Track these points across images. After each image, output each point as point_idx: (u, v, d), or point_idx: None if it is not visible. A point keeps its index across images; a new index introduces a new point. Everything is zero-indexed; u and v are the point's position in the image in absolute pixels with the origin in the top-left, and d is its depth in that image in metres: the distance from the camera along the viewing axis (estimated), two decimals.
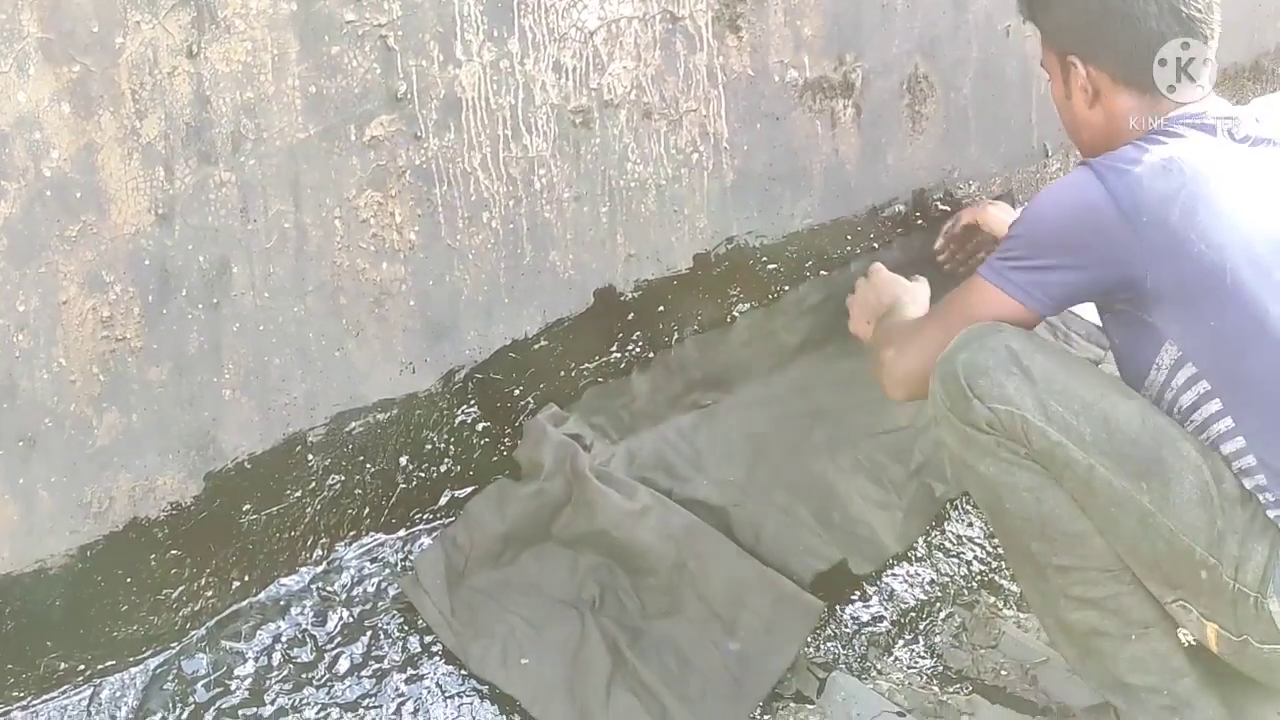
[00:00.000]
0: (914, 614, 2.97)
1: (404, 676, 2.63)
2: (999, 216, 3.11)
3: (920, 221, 3.29)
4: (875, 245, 3.28)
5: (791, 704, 2.74)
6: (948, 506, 3.17)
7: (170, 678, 2.50)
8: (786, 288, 3.13)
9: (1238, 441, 2.32)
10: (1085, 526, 2.37)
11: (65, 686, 2.42)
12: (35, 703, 2.40)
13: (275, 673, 2.56)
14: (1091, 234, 2.36)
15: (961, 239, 3.22)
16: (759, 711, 2.70)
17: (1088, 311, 2.73)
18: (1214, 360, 2.33)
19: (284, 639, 2.60)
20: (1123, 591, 2.41)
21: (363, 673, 2.62)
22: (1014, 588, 2.96)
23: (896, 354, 2.55)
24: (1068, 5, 2.55)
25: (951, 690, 2.82)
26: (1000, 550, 3.01)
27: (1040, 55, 2.66)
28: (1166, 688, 2.46)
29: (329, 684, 2.58)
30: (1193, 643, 2.46)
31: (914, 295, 2.91)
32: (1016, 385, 2.32)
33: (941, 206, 3.35)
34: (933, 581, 3.03)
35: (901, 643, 2.91)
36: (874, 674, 2.83)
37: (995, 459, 2.38)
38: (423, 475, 2.76)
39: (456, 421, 2.78)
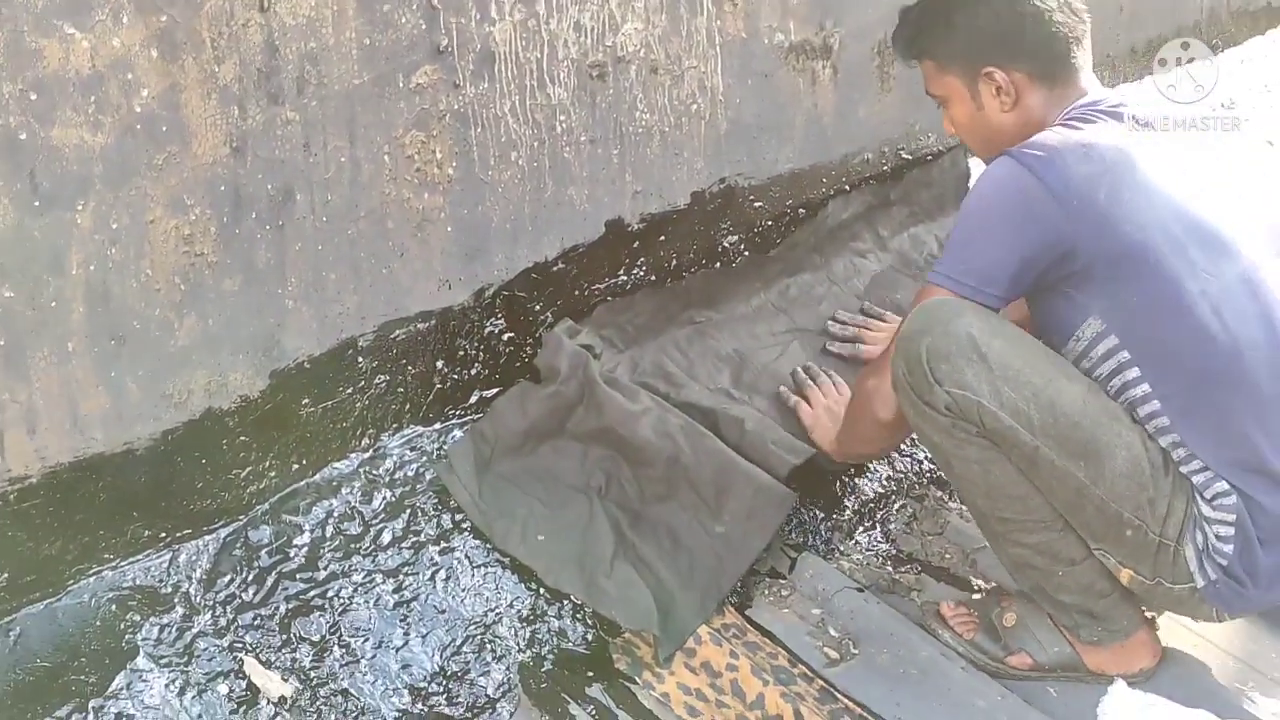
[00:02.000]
0: (872, 504, 2.98)
1: (438, 548, 2.65)
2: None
3: (886, 168, 3.28)
4: (847, 188, 3.27)
5: (767, 579, 2.76)
6: None
7: (238, 545, 2.52)
8: (769, 222, 3.12)
9: (1153, 404, 2.31)
10: (1026, 490, 2.36)
11: (149, 550, 2.44)
12: (123, 564, 2.42)
13: (328, 543, 2.58)
14: (1028, 219, 2.31)
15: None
16: (739, 584, 2.71)
17: None
18: (1135, 331, 2.31)
19: (335, 514, 2.61)
20: (1055, 538, 2.41)
21: (403, 544, 2.64)
22: None
23: (879, 380, 2.48)
24: (984, 17, 2.50)
25: (903, 570, 2.84)
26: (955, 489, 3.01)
27: (926, 86, 2.60)
28: (1089, 605, 2.48)
29: (374, 553, 2.61)
30: None
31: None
32: (975, 372, 2.27)
33: (905, 156, 3.34)
34: (889, 477, 3.03)
35: (861, 529, 2.92)
36: (837, 555, 2.85)
37: (948, 435, 2.35)
38: (456, 377, 2.77)
39: (485, 332, 2.78)
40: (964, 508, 2.92)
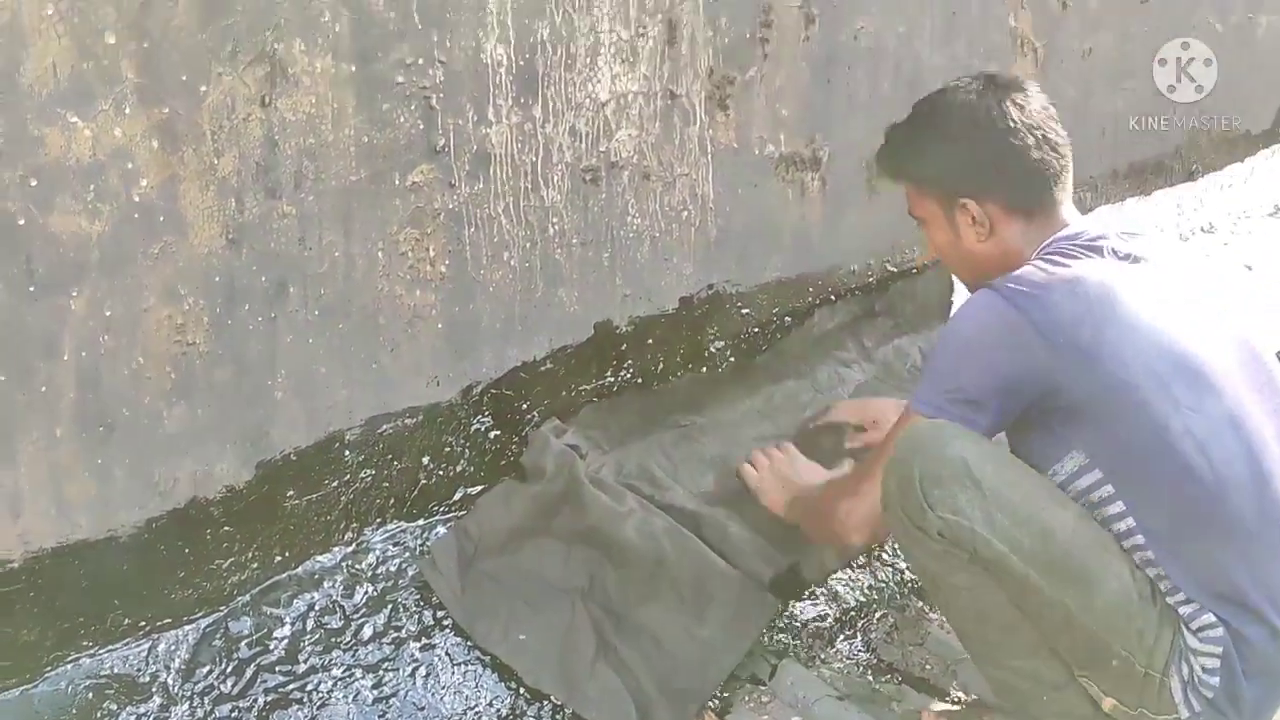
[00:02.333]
0: (853, 613, 2.96)
1: (419, 645, 2.63)
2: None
3: (871, 279, 3.30)
4: (833, 298, 3.30)
5: (747, 684, 2.74)
6: None
7: (218, 636, 2.50)
8: (756, 329, 3.14)
9: (1138, 538, 2.28)
10: (1015, 617, 2.32)
11: (128, 639, 2.42)
12: (101, 652, 2.40)
13: (308, 636, 2.56)
14: (1013, 356, 2.30)
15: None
16: (720, 690, 2.69)
17: None
18: (1119, 467, 2.29)
19: (317, 608, 2.60)
20: (1041, 664, 2.38)
21: (384, 640, 2.62)
22: None
23: (852, 501, 2.48)
24: (960, 151, 2.49)
25: (884, 680, 2.81)
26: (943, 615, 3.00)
27: (909, 207, 2.61)
28: None
29: (354, 648, 2.59)
30: None
31: (815, 472, 2.90)
32: (969, 498, 2.24)
33: (890, 268, 3.37)
34: (870, 586, 3.02)
35: (842, 637, 2.91)
36: (818, 663, 2.83)
37: (939, 560, 2.32)
38: (441, 473, 2.77)
39: (472, 429, 2.78)
40: (946, 621, 2.91)
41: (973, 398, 2.33)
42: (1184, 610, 2.29)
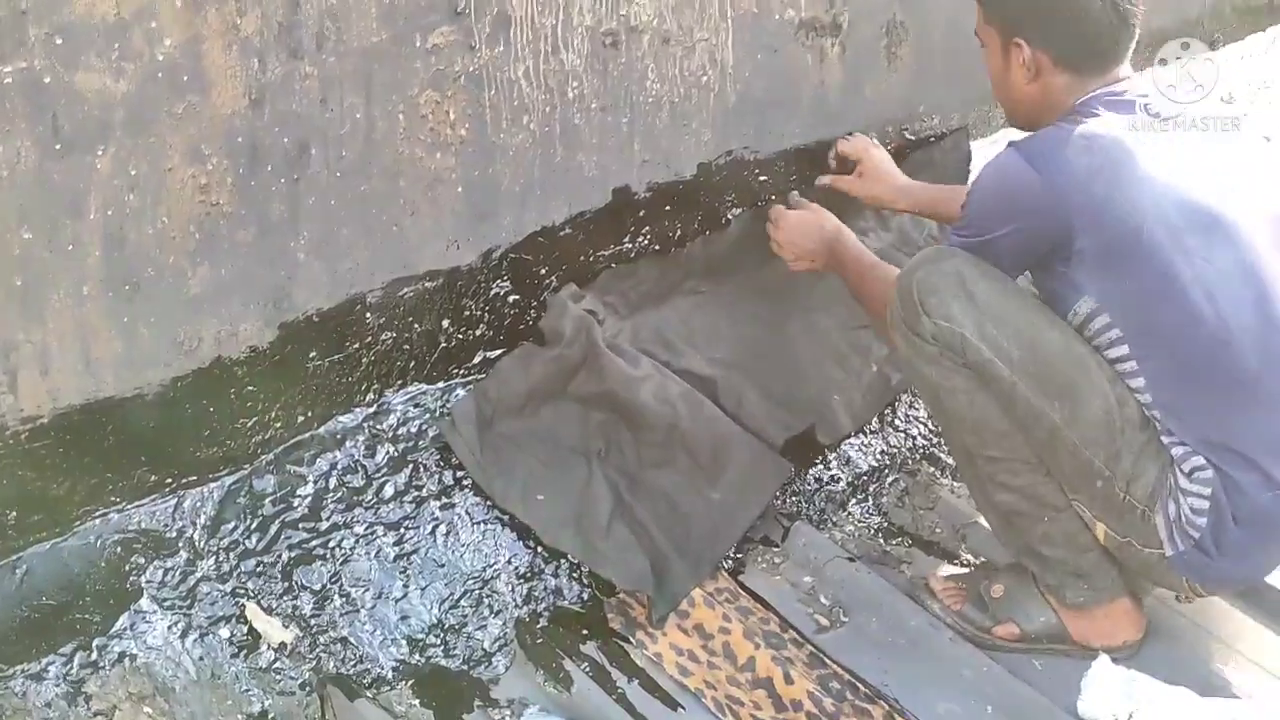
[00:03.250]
0: (865, 478, 3.00)
1: (439, 504, 2.67)
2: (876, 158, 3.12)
3: (890, 147, 3.29)
4: (850, 165, 3.29)
5: (760, 546, 2.79)
6: (903, 396, 3.18)
7: (242, 494, 2.54)
8: (773, 196, 3.13)
9: (1139, 381, 2.35)
10: (1009, 426, 2.42)
11: (154, 495, 2.46)
12: (129, 507, 2.44)
13: (331, 494, 2.60)
14: (1028, 211, 2.38)
15: (842, 164, 3.18)
16: (733, 550, 2.75)
17: None
18: (1126, 312, 2.35)
19: (339, 467, 2.63)
20: (1039, 481, 2.46)
21: (404, 499, 2.66)
22: (951, 461, 2.98)
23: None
24: None
25: (894, 542, 2.87)
26: (939, 434, 3.04)
27: (976, 25, 2.58)
28: (1072, 559, 2.52)
29: (376, 506, 2.63)
30: None
31: (836, 227, 2.89)
32: (961, 307, 2.36)
33: (909, 136, 3.35)
34: (883, 451, 3.05)
35: (854, 501, 2.95)
36: (830, 525, 2.87)
37: (936, 365, 2.42)
38: (461, 336, 2.78)
39: (491, 293, 2.79)
40: (956, 484, 2.95)
41: (988, 242, 2.42)
42: (1176, 452, 2.36)
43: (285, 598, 2.48)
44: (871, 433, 3.07)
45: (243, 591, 2.46)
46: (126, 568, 2.41)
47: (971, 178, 3.08)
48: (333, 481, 2.61)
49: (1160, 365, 2.35)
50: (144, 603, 2.38)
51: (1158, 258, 2.31)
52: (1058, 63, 2.45)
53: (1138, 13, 2.46)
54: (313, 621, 2.47)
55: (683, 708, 2.46)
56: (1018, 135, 2.57)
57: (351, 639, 2.47)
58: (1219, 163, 2.44)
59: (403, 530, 2.61)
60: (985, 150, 3.35)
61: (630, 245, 2.98)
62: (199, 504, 2.49)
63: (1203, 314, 2.31)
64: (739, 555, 2.75)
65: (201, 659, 2.37)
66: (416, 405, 2.73)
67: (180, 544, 2.46)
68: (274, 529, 2.53)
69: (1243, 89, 4.11)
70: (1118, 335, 2.36)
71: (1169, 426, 2.36)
